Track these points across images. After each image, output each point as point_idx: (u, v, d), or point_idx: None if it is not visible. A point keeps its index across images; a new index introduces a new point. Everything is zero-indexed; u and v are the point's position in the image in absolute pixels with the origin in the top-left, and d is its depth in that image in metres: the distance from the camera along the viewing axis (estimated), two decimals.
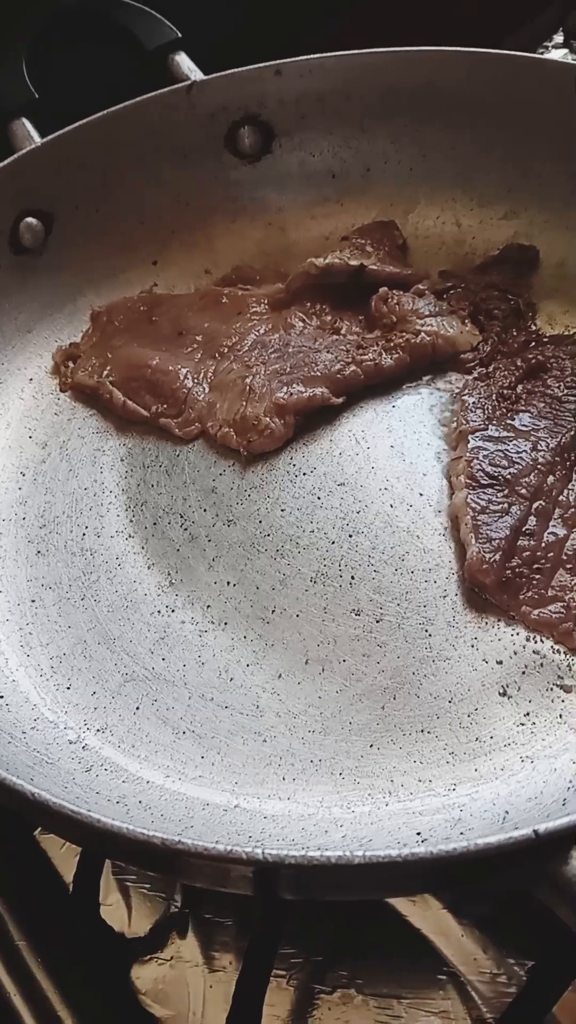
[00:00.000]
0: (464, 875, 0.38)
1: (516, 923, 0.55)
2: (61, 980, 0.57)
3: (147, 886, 0.59)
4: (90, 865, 0.58)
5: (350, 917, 0.57)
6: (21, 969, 0.57)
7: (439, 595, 0.60)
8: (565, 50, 1.12)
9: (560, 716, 0.54)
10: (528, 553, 0.59)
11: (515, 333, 0.74)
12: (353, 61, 0.77)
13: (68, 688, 0.58)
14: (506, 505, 0.61)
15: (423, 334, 0.71)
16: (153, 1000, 0.56)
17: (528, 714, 0.54)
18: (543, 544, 0.60)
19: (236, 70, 0.76)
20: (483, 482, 0.62)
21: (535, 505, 0.61)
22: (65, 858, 0.61)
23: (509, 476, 0.62)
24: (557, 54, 1.10)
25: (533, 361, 0.70)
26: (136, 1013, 0.56)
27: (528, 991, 0.50)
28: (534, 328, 0.74)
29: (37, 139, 0.72)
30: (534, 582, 0.58)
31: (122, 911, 0.59)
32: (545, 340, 0.73)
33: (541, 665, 0.56)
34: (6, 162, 0.70)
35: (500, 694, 0.55)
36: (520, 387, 0.69)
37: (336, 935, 0.57)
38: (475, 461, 0.63)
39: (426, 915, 0.57)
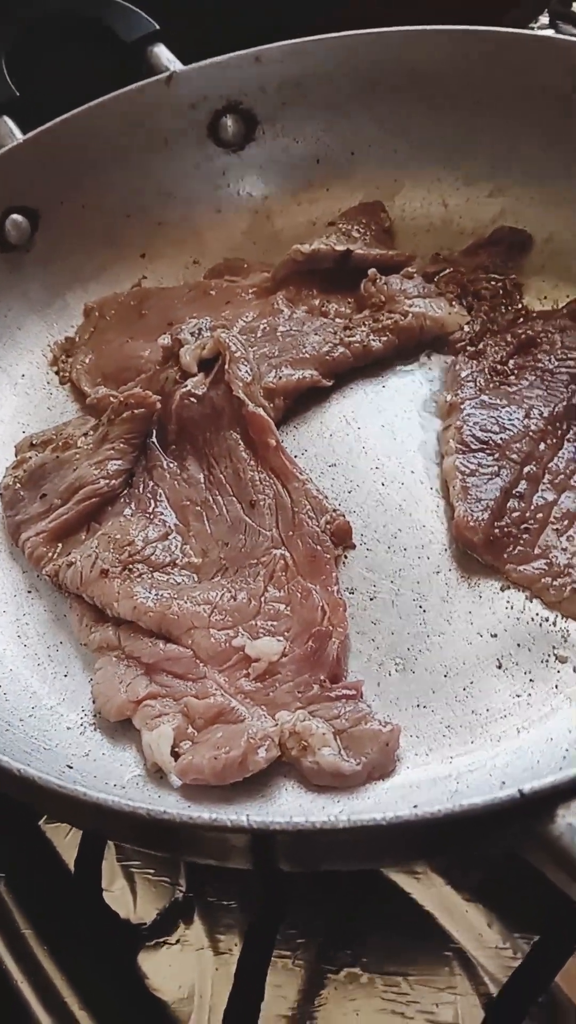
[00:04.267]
0: (453, 838, 0.38)
1: (520, 897, 0.55)
2: (67, 967, 0.57)
3: (151, 871, 0.60)
4: (91, 850, 0.58)
5: (354, 896, 0.57)
6: (28, 957, 0.58)
7: (432, 571, 0.60)
8: (551, 31, 1.11)
9: (556, 687, 0.54)
10: (517, 514, 0.60)
11: (503, 311, 0.74)
12: (333, 44, 0.78)
13: (65, 676, 0.58)
14: (496, 468, 0.62)
15: (411, 315, 0.71)
16: (160, 984, 0.56)
17: (524, 685, 0.54)
18: (532, 506, 0.60)
19: (215, 59, 0.76)
20: (473, 446, 0.63)
21: (525, 470, 0.61)
22: (70, 847, 0.61)
23: (500, 441, 0.63)
24: (535, 34, 1.09)
25: (523, 336, 0.70)
26: (143, 998, 0.56)
27: (529, 962, 0.50)
28: (522, 305, 0.74)
29: (19, 136, 0.73)
30: (521, 541, 0.59)
31: (127, 897, 0.59)
32: (534, 316, 0.73)
33: (536, 637, 0.56)
34: None
35: (496, 667, 0.55)
36: (512, 361, 0.69)
37: (341, 915, 0.57)
38: (466, 427, 0.64)
39: (430, 892, 0.56)
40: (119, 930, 0.58)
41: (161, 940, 0.58)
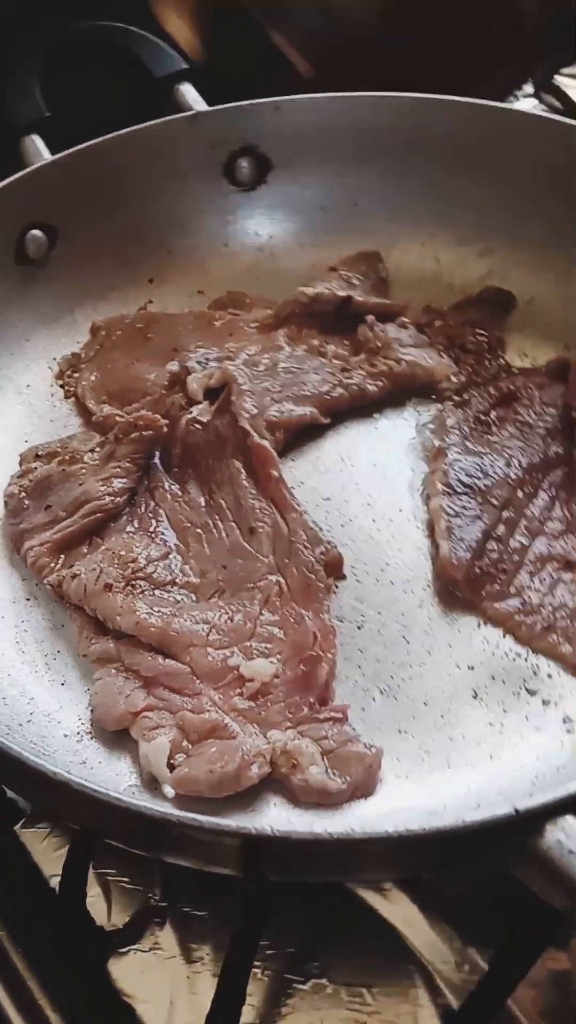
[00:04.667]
0: (446, 855, 0.42)
1: (477, 913, 0.59)
2: (40, 971, 0.58)
3: (126, 879, 0.61)
4: (77, 860, 0.59)
5: (323, 910, 0.60)
6: (1, 960, 0.58)
7: (416, 604, 0.64)
8: (535, 100, 1.19)
9: (526, 717, 0.58)
10: (495, 555, 0.64)
11: (487, 365, 0.79)
12: (347, 102, 0.83)
13: (63, 684, 0.60)
14: (479, 511, 0.66)
15: (404, 363, 0.76)
16: (131, 991, 0.57)
17: (498, 715, 0.58)
18: (509, 548, 0.65)
19: (238, 104, 0.80)
20: (459, 489, 0.68)
21: (504, 514, 0.66)
22: (46, 852, 0.62)
23: (483, 487, 0.68)
24: (527, 104, 1.17)
25: (505, 390, 0.76)
26: (114, 1004, 0.57)
27: (488, 980, 0.54)
28: (503, 361, 0.80)
29: (47, 155, 0.75)
30: (498, 580, 0.63)
31: (102, 904, 0.60)
32: (515, 372, 0.78)
33: (509, 670, 0.60)
34: (17, 176, 0.73)
35: (472, 696, 0.59)
36: (494, 413, 0.74)
37: (309, 928, 0.59)
38: (452, 471, 0.69)
39: (395, 907, 0.59)
40: (92, 936, 0.59)
41: (134, 947, 0.59)
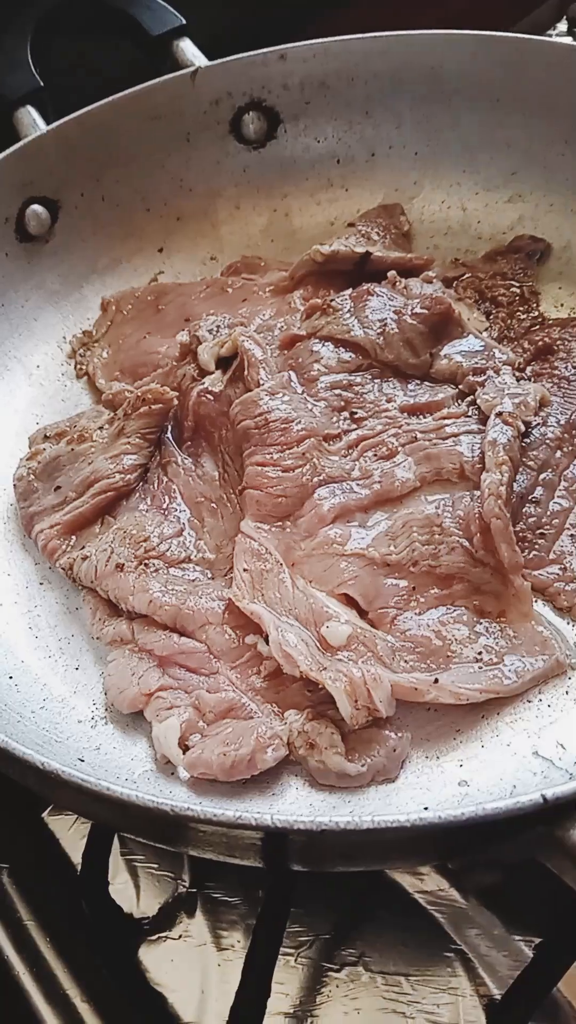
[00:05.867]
0: (472, 842, 0.38)
1: (523, 900, 0.56)
2: (69, 959, 0.57)
3: (155, 866, 0.60)
4: (99, 845, 0.58)
5: (358, 896, 0.58)
6: (30, 949, 0.58)
7: None
8: (569, 38, 1.11)
9: (567, 692, 0.54)
10: (533, 519, 0.60)
11: (520, 318, 0.74)
12: (357, 46, 0.78)
13: (76, 669, 0.58)
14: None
15: None
16: (161, 980, 0.56)
17: (535, 691, 0.54)
18: (548, 512, 0.61)
19: (240, 55, 0.76)
20: None
21: (542, 476, 0.62)
22: (73, 839, 0.61)
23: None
24: (561, 42, 1.10)
25: (540, 343, 0.71)
26: (145, 991, 0.56)
27: (533, 967, 0.50)
28: (538, 312, 0.74)
29: (42, 126, 0.73)
30: (536, 546, 0.59)
31: (130, 891, 0.59)
32: (551, 323, 0.73)
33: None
34: (11, 149, 0.70)
35: None
36: (529, 368, 0.69)
37: (344, 914, 0.57)
38: None
39: (433, 893, 0.57)
40: (122, 923, 0.58)
41: (164, 935, 0.58)
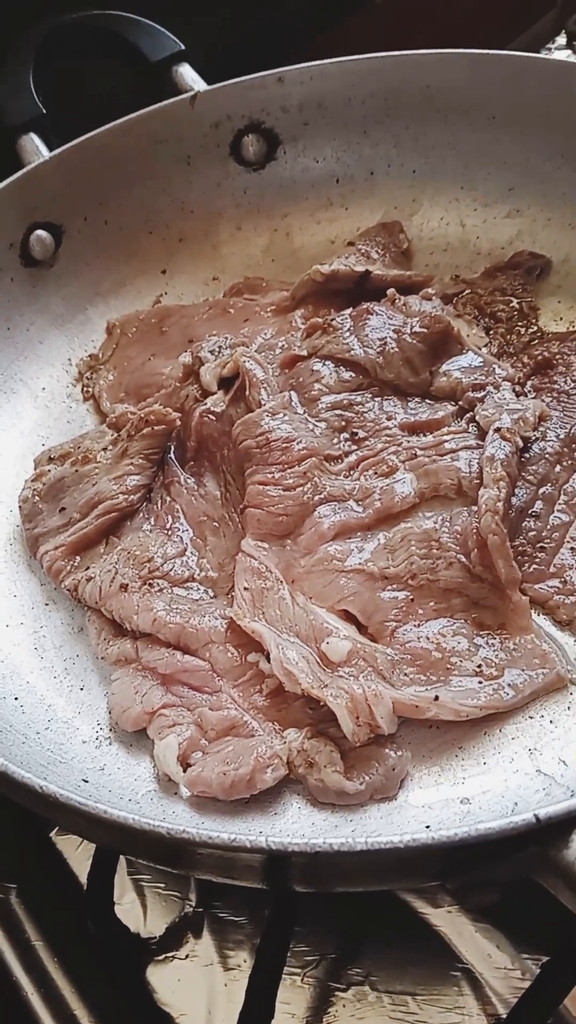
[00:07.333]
0: (467, 862, 0.38)
1: (529, 919, 0.55)
2: (77, 979, 0.57)
3: (161, 886, 0.60)
4: (104, 865, 0.59)
5: (364, 915, 0.57)
6: (38, 969, 0.58)
7: None
8: (568, 51, 1.12)
9: (568, 708, 0.54)
10: (533, 533, 0.60)
11: (520, 333, 0.75)
12: (353, 67, 0.79)
13: (81, 689, 0.59)
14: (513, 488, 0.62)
15: None
16: (168, 999, 0.56)
17: (536, 707, 0.54)
18: (548, 526, 0.61)
19: (239, 79, 0.78)
20: None
21: (541, 490, 0.62)
22: (81, 859, 0.61)
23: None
24: (559, 56, 1.10)
25: (539, 358, 0.71)
26: (152, 1011, 0.56)
27: (539, 985, 0.50)
28: (538, 327, 0.75)
29: (45, 153, 0.74)
30: (536, 560, 0.59)
31: (137, 911, 0.59)
32: (550, 337, 0.73)
33: None
34: (15, 177, 0.72)
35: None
36: (529, 383, 0.70)
37: (350, 933, 0.57)
38: None
39: (440, 912, 0.57)
40: (129, 943, 0.58)
41: (170, 954, 0.58)
